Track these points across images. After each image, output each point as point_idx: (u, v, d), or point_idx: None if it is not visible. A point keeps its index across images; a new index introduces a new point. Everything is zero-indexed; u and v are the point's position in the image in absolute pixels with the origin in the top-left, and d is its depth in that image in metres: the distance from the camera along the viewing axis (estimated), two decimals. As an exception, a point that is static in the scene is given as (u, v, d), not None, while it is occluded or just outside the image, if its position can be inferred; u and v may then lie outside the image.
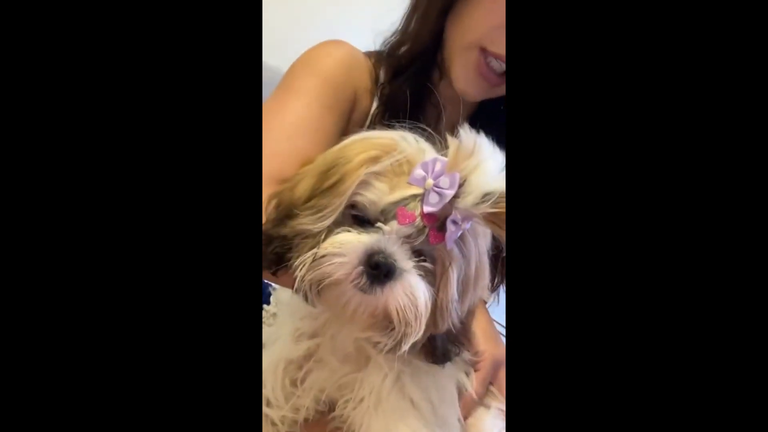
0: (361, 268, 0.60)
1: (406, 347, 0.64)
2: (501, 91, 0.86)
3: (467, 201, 0.60)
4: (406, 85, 0.82)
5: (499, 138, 0.65)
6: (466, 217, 0.61)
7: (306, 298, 0.64)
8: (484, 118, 0.90)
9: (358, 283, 0.60)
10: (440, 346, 0.69)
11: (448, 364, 0.73)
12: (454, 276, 0.64)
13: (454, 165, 0.61)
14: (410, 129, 0.65)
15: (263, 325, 0.86)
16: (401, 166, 0.63)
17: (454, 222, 0.61)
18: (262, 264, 0.66)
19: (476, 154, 0.60)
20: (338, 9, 1.45)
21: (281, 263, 0.65)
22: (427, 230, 0.62)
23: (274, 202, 0.67)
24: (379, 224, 0.61)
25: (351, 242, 0.60)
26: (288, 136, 0.73)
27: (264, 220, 0.67)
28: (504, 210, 0.60)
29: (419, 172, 0.61)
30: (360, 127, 0.82)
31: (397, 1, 0.86)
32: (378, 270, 0.60)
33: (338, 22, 0.95)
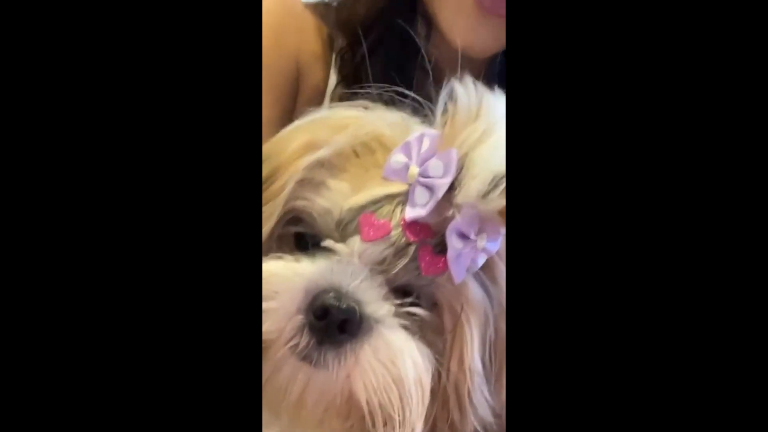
0: (300, 318, 0.35)
1: None
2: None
3: (470, 190, 0.34)
4: (380, 48, 0.56)
5: None
6: (481, 222, 0.35)
7: None
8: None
9: (297, 345, 0.35)
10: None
11: None
12: (474, 333, 0.37)
13: (449, 139, 0.36)
14: (386, 97, 0.42)
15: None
16: (372, 153, 0.39)
17: (461, 234, 0.35)
18: None
19: (482, 118, 0.36)
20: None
21: None
22: (413, 251, 0.36)
23: None
24: (329, 243, 0.37)
25: (283, 275, 0.36)
26: None
27: None
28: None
29: (398, 157, 0.37)
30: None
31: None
32: (328, 320, 0.34)
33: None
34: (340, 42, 0.60)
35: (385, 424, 0.35)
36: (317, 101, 0.59)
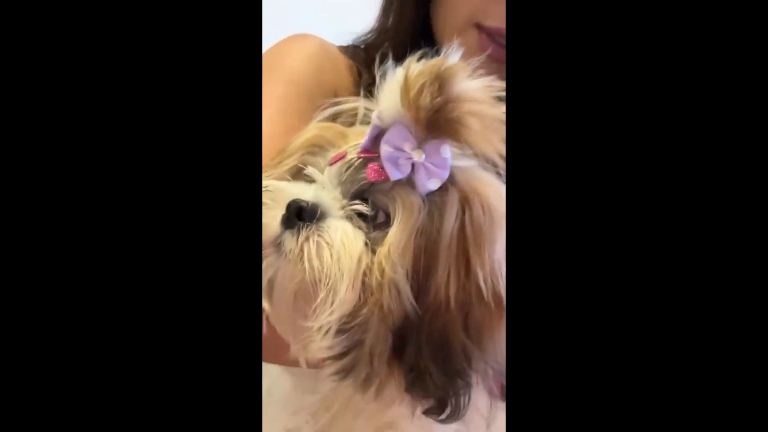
0: (283, 215, 0.48)
1: (332, 320, 0.43)
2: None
3: (386, 105, 0.46)
4: None
5: None
6: (417, 138, 0.46)
7: None
8: None
9: (278, 238, 0.47)
10: (421, 367, 0.43)
11: None
12: (401, 232, 0.45)
13: None
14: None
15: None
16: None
17: (393, 145, 0.46)
18: None
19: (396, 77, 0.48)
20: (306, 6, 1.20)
21: None
22: (362, 167, 0.47)
23: None
24: (309, 171, 0.50)
25: (280, 188, 0.49)
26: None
27: None
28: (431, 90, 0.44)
29: None
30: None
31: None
32: (300, 217, 0.46)
33: (306, 21, 0.82)
34: (366, 78, 0.73)
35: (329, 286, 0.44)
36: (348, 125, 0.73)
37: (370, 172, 0.47)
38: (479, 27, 0.68)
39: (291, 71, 0.69)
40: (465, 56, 0.62)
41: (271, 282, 0.48)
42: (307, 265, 0.44)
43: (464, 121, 0.44)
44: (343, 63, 0.74)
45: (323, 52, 0.73)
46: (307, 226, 0.46)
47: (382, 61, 0.54)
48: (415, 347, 0.44)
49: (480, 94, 0.45)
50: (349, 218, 0.46)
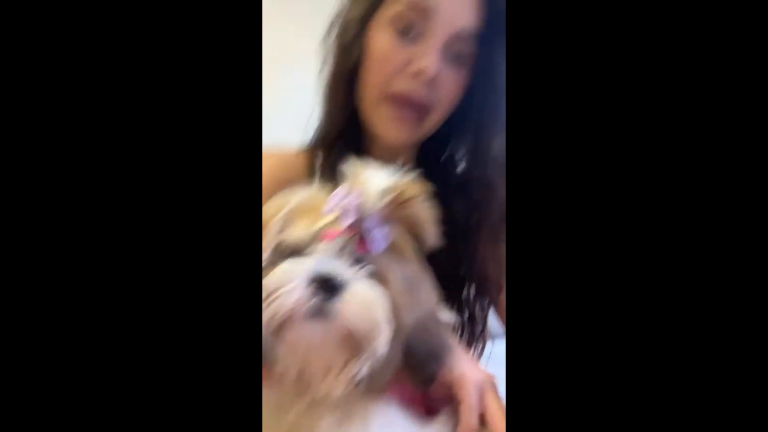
0: (310, 290, 0.63)
1: (381, 355, 0.64)
2: (427, 127, 0.95)
3: (369, 202, 0.68)
4: (339, 158, 0.88)
5: (445, 176, 0.94)
6: (377, 220, 0.69)
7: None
8: (425, 163, 0.98)
9: (312, 308, 0.62)
10: (420, 361, 0.70)
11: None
12: (395, 274, 0.68)
13: (352, 187, 0.70)
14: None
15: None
16: (312, 207, 0.70)
17: (368, 228, 0.68)
18: None
19: (363, 173, 0.71)
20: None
21: None
22: (354, 240, 0.68)
23: None
24: (310, 249, 0.66)
25: (293, 269, 0.64)
26: None
27: None
28: (401, 197, 0.69)
29: (329, 204, 0.69)
30: None
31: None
32: (327, 285, 0.63)
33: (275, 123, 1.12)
34: (321, 156, 0.99)
35: (374, 331, 0.64)
36: None
37: (359, 247, 0.68)
38: (391, 96, 0.90)
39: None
40: (385, 123, 0.93)
41: (301, 346, 0.64)
42: (358, 326, 0.63)
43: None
44: (300, 164, 1.00)
45: (282, 163, 0.99)
46: (342, 294, 0.64)
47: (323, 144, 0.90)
48: (420, 352, 0.69)
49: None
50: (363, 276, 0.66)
